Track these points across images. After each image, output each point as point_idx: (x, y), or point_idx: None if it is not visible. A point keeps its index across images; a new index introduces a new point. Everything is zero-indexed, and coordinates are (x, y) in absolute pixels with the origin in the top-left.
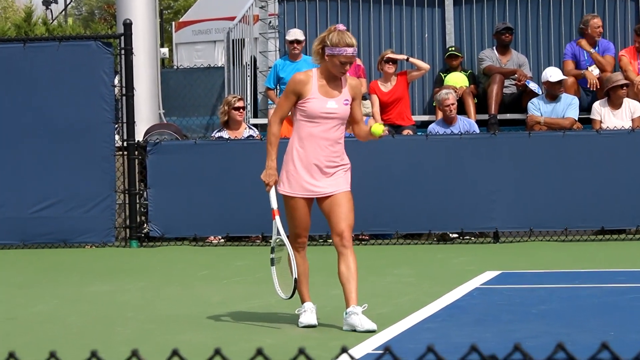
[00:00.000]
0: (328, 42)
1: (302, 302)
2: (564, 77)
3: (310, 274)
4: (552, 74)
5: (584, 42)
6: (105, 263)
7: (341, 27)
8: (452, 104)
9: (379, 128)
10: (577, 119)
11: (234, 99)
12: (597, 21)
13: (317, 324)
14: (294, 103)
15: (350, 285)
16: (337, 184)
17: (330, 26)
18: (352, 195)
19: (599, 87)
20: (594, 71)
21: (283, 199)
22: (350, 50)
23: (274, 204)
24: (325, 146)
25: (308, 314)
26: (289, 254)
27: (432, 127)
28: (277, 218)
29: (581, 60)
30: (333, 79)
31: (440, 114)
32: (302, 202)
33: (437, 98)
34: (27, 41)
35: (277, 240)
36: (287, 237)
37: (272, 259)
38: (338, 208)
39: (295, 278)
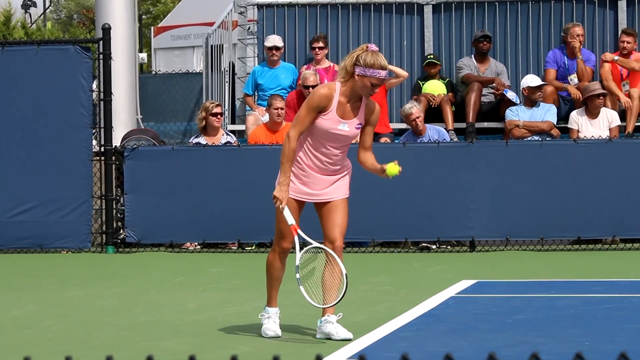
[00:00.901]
0: (361, 62)
1: (269, 305)
2: (544, 83)
3: (285, 281)
4: (532, 79)
5: (577, 48)
6: (81, 269)
7: (374, 47)
8: (418, 117)
9: (394, 169)
10: (555, 124)
11: (212, 104)
12: (577, 29)
13: (281, 334)
14: (315, 117)
15: (331, 295)
16: (335, 190)
17: (362, 45)
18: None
19: (580, 98)
20: (573, 80)
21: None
22: (383, 73)
23: (290, 220)
24: (327, 159)
25: (272, 323)
26: (329, 256)
27: (403, 139)
28: (299, 231)
29: (562, 68)
30: (353, 100)
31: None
32: (294, 203)
33: (402, 113)
34: (5, 45)
35: (306, 252)
36: (273, 240)
37: (298, 279)
38: (333, 215)
39: (346, 273)
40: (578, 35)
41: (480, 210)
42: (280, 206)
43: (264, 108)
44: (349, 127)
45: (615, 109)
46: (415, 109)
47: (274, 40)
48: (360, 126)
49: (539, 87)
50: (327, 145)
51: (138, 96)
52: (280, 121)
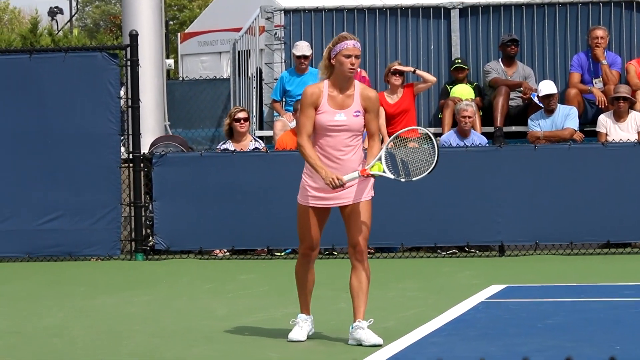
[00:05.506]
0: (331, 47)
1: (300, 311)
2: (553, 92)
3: (317, 287)
4: (542, 87)
5: (598, 52)
6: (111, 276)
7: (342, 34)
8: (469, 117)
9: (375, 169)
10: (577, 129)
11: (235, 110)
12: (598, 32)
13: (305, 339)
14: (314, 116)
15: (360, 299)
16: (356, 193)
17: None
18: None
19: (606, 104)
20: (597, 84)
21: (297, 207)
22: (350, 43)
23: (354, 174)
24: (339, 157)
25: (297, 329)
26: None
27: (446, 138)
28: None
29: (587, 72)
30: (344, 90)
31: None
32: (313, 211)
33: (457, 107)
34: (33, 52)
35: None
36: (297, 249)
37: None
38: (355, 219)
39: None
40: (598, 38)
41: (509, 215)
42: (337, 181)
43: (292, 114)
44: (346, 116)
45: None
46: (471, 108)
47: (303, 49)
48: (358, 114)
49: (549, 95)
50: (331, 139)
51: (166, 103)
52: None
